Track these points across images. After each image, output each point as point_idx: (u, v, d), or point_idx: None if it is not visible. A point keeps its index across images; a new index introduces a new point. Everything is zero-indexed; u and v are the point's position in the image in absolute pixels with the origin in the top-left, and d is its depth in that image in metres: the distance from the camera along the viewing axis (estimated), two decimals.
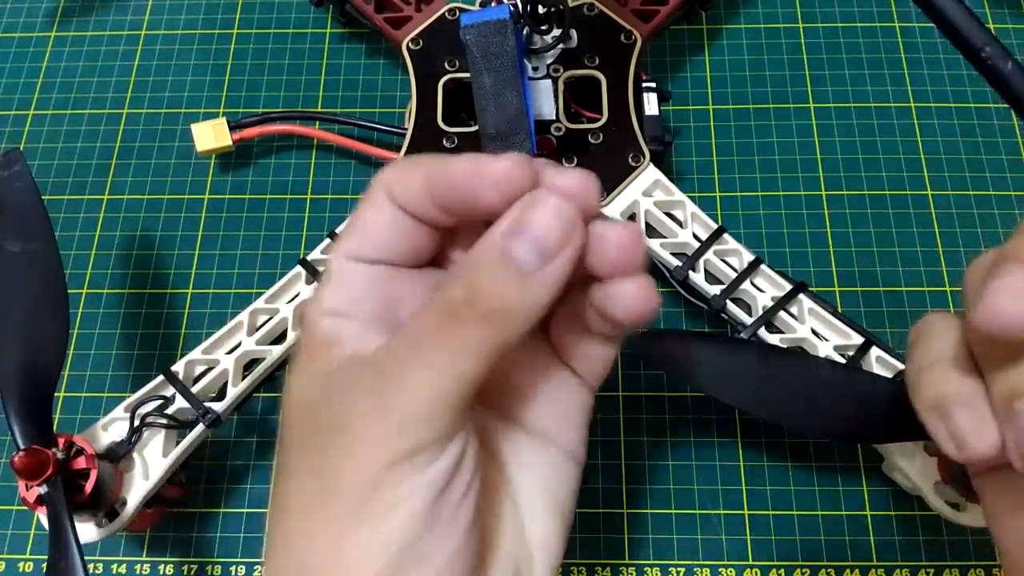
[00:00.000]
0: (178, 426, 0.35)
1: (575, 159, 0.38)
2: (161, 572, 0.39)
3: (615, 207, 0.37)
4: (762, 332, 0.36)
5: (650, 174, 0.38)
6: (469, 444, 0.21)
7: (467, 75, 0.37)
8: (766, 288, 0.37)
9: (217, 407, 0.35)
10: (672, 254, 0.37)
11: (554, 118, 0.39)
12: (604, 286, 0.22)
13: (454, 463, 0.21)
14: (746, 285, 0.36)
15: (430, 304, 0.21)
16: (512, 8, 0.35)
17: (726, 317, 0.37)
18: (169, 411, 0.35)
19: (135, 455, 0.34)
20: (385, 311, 0.23)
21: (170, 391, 0.35)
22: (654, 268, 0.39)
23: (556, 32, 0.40)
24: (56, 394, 0.33)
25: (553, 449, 0.24)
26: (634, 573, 0.38)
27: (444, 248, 0.24)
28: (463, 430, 0.21)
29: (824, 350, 0.35)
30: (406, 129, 0.39)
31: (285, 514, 0.21)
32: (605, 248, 0.21)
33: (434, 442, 0.20)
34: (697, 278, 0.37)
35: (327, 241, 0.38)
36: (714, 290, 0.36)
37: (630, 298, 0.21)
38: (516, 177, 0.20)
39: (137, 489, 0.34)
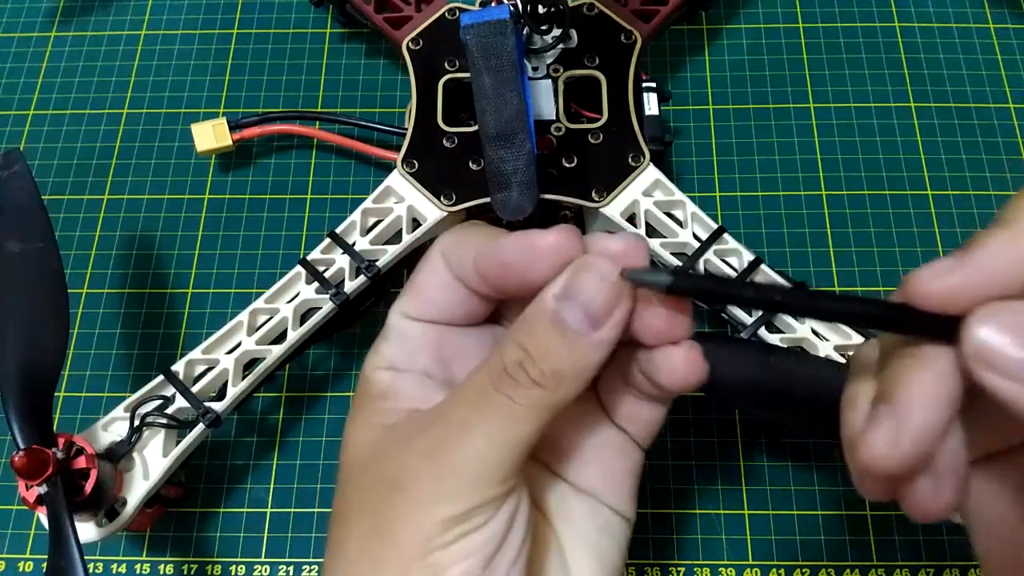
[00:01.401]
0: (178, 426, 0.35)
1: (575, 159, 0.38)
2: (161, 572, 0.39)
3: (615, 207, 0.37)
4: (762, 332, 0.36)
5: (650, 174, 0.38)
6: (521, 503, 0.22)
7: (467, 75, 0.37)
8: None
9: (217, 407, 0.35)
10: (672, 254, 0.37)
11: (554, 118, 0.39)
12: (651, 352, 0.22)
13: (507, 523, 0.21)
14: None
15: (484, 365, 0.21)
16: (512, 8, 0.35)
17: (726, 317, 0.37)
18: (169, 411, 0.35)
19: (135, 455, 0.34)
20: (439, 367, 0.24)
21: (170, 391, 0.35)
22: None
23: (556, 32, 0.40)
24: (56, 394, 0.33)
25: (601, 507, 0.24)
26: (634, 573, 0.38)
27: (500, 306, 0.24)
28: (516, 490, 0.21)
29: (824, 350, 0.35)
30: (406, 129, 0.39)
31: (342, 563, 0.22)
32: (654, 317, 0.21)
33: (487, 503, 0.21)
34: None
35: (327, 241, 0.37)
36: None
37: (677, 366, 0.22)
38: (566, 249, 0.21)
39: (137, 489, 0.34)
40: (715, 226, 0.37)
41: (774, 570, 0.38)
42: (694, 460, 0.39)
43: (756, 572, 0.38)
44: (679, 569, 0.38)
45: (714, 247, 0.37)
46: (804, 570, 0.38)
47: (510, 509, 0.21)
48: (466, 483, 0.20)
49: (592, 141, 0.38)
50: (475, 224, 0.24)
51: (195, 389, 0.35)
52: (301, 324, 0.36)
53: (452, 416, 0.21)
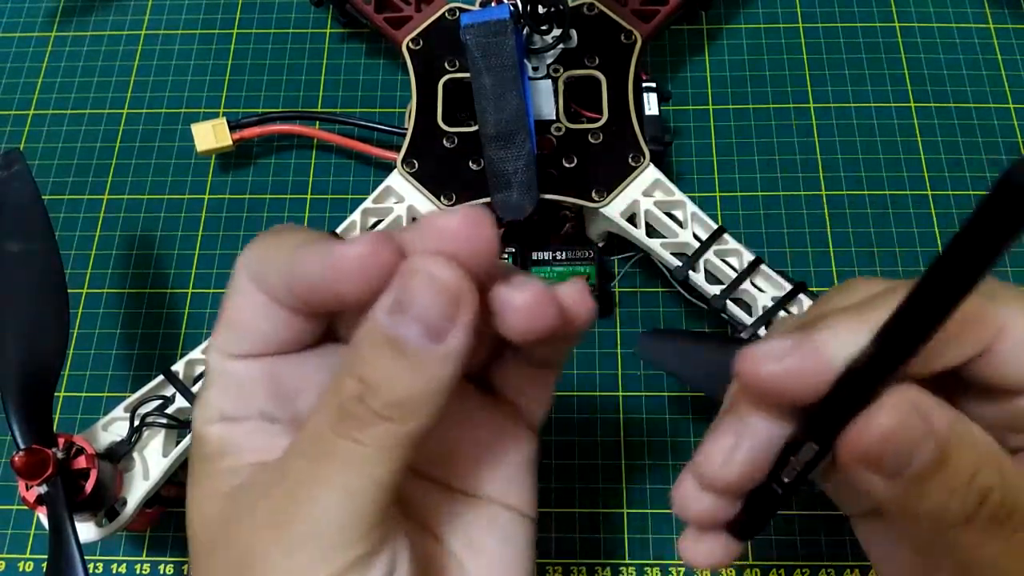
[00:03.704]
0: (178, 426, 0.35)
1: (575, 159, 0.38)
2: (161, 572, 0.39)
3: (615, 207, 0.37)
4: (762, 332, 0.36)
5: (650, 174, 0.38)
6: (399, 550, 0.19)
7: (467, 75, 0.37)
8: (766, 288, 0.37)
9: None
10: (672, 254, 0.37)
11: (554, 118, 0.39)
12: (496, 309, 0.18)
13: None
14: (746, 285, 0.36)
15: (319, 408, 0.18)
16: (512, 8, 0.35)
17: (726, 317, 0.37)
18: (169, 411, 0.35)
19: (135, 455, 0.34)
20: (280, 405, 0.20)
21: (170, 391, 0.35)
22: (655, 268, 0.39)
23: (556, 32, 0.40)
24: (56, 394, 0.33)
25: (501, 511, 0.21)
26: (634, 573, 0.38)
27: (336, 321, 0.20)
28: (388, 537, 0.18)
29: None
30: (406, 129, 0.39)
31: None
32: (514, 316, 0.18)
33: (353, 565, 0.18)
34: (697, 278, 0.37)
35: None
36: (714, 290, 0.36)
37: (516, 305, 0.18)
38: (375, 263, 0.17)
39: (137, 489, 0.34)
40: (715, 226, 0.37)
41: (774, 570, 0.38)
42: None
43: (756, 572, 0.38)
44: (679, 569, 0.38)
45: (714, 247, 0.37)
46: (804, 570, 0.38)
47: (385, 562, 0.18)
48: (319, 550, 0.17)
49: (592, 141, 0.38)
50: (280, 231, 0.20)
51: (195, 389, 0.35)
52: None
53: (291, 474, 0.18)
